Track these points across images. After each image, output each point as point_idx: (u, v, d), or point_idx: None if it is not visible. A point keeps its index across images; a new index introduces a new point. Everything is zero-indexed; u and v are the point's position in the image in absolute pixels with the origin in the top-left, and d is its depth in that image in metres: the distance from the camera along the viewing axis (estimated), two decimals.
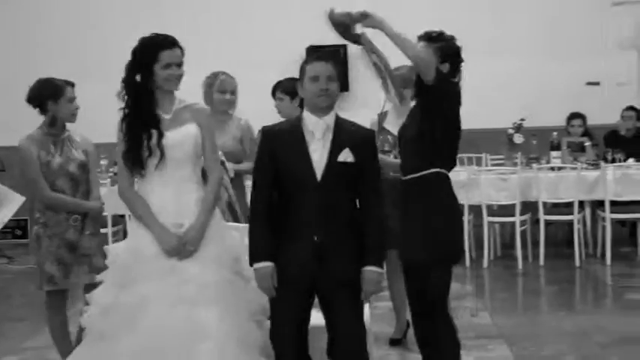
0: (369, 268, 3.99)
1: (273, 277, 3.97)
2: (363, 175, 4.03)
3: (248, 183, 6.52)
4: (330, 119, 4.04)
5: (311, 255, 3.94)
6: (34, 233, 5.15)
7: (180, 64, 4.17)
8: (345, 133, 4.03)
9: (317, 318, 4.16)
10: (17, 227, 11.40)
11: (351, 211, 4.05)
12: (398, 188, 5.63)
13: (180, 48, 4.18)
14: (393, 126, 5.73)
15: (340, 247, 3.97)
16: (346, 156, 3.99)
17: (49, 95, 5.05)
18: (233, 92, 5.76)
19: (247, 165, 5.62)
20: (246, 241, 4.08)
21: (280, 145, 4.03)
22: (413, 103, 5.49)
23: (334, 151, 3.99)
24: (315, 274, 3.95)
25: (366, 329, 4.12)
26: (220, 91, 5.73)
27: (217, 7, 11.15)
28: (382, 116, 5.88)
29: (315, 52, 4.05)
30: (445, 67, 4.30)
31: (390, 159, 5.54)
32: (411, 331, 6.14)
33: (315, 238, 3.94)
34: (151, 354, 3.88)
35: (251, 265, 4.01)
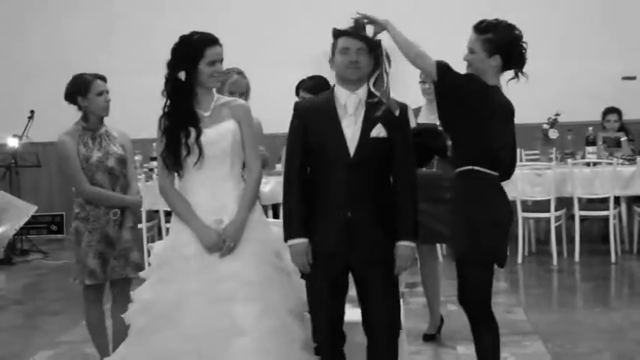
0: (402, 244, 3.97)
1: (307, 253, 3.98)
2: (396, 149, 3.98)
3: (266, 179, 6.57)
4: (362, 93, 4.01)
5: (343, 232, 3.93)
6: (73, 228, 5.11)
7: (222, 61, 4.17)
8: (377, 108, 3.97)
9: (352, 314, 4.15)
10: (52, 222, 11.51)
11: (384, 187, 4.02)
12: (432, 183, 5.62)
13: (221, 45, 4.18)
14: (427, 121, 5.72)
15: (373, 225, 3.95)
16: (379, 131, 3.95)
17: (77, 91, 5.05)
18: (243, 94, 5.56)
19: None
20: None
21: (312, 121, 4.01)
22: None
23: (367, 127, 3.96)
24: (347, 252, 3.94)
25: (399, 303, 4.11)
26: (230, 91, 5.59)
27: (239, 5, 11.14)
28: (417, 111, 5.84)
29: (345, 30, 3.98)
30: (496, 60, 4.21)
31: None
32: (445, 327, 6.15)
33: (348, 215, 3.92)
34: (189, 350, 3.90)
35: (285, 240, 4.03)
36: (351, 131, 3.96)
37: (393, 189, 4.04)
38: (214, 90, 4.26)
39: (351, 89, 4.00)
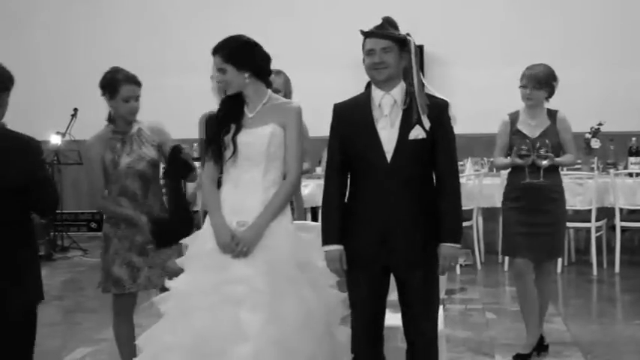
0: (446, 244, 3.93)
1: (341, 260, 3.97)
2: (437, 148, 3.91)
3: (305, 183, 6.56)
4: (397, 93, 3.93)
5: (381, 236, 3.90)
6: (103, 233, 4.92)
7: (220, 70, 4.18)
8: (415, 108, 3.89)
9: (391, 318, 4.14)
10: (92, 220, 11.60)
11: (425, 189, 3.96)
12: (538, 194, 5.53)
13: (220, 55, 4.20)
14: (526, 127, 5.58)
15: (412, 227, 3.91)
16: (417, 133, 3.87)
17: (104, 89, 4.82)
18: (277, 91, 5.45)
19: (305, 165, 5.62)
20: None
21: (349, 124, 3.98)
22: (546, 105, 5.50)
23: (405, 129, 3.89)
24: (386, 255, 3.92)
25: (438, 307, 4.09)
26: None
27: (269, 5, 11.16)
28: (514, 116, 5.68)
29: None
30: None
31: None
32: (484, 334, 6.09)
33: (387, 219, 3.89)
34: (194, 345, 3.93)
35: (323, 245, 4.02)
36: (387, 133, 3.90)
37: (435, 189, 3.98)
38: (269, 91, 4.27)
39: (385, 89, 3.94)
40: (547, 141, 5.47)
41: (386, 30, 3.92)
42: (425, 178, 3.98)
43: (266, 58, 4.26)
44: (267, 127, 4.15)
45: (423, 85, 3.95)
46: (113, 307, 4.95)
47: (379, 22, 3.96)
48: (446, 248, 3.93)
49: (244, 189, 4.13)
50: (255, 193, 4.13)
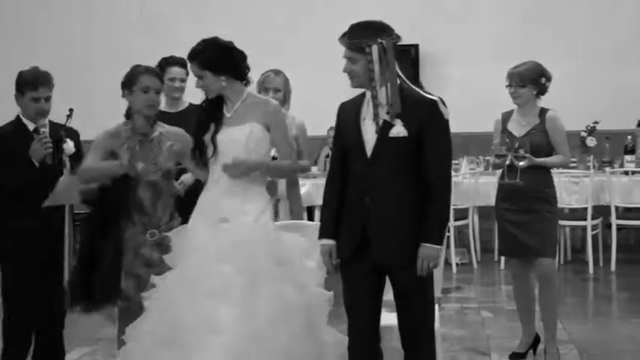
0: (425, 245, 3.88)
1: (332, 254, 4.00)
2: (425, 148, 3.86)
3: (302, 182, 6.58)
4: (382, 93, 3.91)
5: (363, 234, 3.90)
6: None
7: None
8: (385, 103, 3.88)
9: (387, 318, 4.16)
10: None
11: (409, 187, 3.90)
12: (518, 195, 5.50)
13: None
14: (518, 127, 5.54)
15: (396, 226, 3.89)
16: (398, 131, 3.85)
17: (124, 83, 4.58)
18: (277, 90, 5.57)
19: (304, 162, 5.65)
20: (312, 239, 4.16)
21: (343, 121, 4.04)
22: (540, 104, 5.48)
23: (386, 127, 3.87)
24: (369, 254, 3.91)
25: (434, 302, 4.08)
26: (264, 88, 5.58)
27: (282, 5, 11.16)
28: (507, 115, 5.64)
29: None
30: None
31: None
32: (480, 333, 6.11)
33: (368, 216, 3.89)
34: (169, 338, 4.02)
35: (319, 239, 4.07)
36: (371, 130, 3.91)
37: (421, 188, 3.91)
38: (246, 90, 4.32)
39: (364, 87, 3.97)
40: (527, 141, 5.38)
41: (351, 39, 3.90)
42: (410, 175, 3.91)
43: (242, 58, 4.31)
44: (246, 126, 4.22)
45: (398, 83, 3.89)
46: (119, 317, 4.68)
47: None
48: (425, 249, 3.87)
49: (227, 188, 4.20)
50: (238, 194, 4.20)
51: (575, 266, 8.96)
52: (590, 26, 10.65)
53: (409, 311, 3.98)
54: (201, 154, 4.28)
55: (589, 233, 8.63)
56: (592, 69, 10.46)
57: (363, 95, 4.02)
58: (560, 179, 8.58)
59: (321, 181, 5.95)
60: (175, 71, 5.70)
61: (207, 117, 4.29)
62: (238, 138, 4.19)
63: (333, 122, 4.11)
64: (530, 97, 5.49)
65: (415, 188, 3.92)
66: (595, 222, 8.73)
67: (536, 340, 5.72)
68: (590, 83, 10.41)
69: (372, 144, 3.89)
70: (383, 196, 3.89)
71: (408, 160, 3.89)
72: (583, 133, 9.17)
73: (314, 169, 8.55)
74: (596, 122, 9.18)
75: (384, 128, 3.88)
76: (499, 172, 5.64)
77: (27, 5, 11.55)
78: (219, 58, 4.22)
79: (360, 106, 3.98)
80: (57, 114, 5.04)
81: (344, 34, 3.93)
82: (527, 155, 5.33)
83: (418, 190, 3.91)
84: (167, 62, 5.74)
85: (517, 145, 5.36)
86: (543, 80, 5.49)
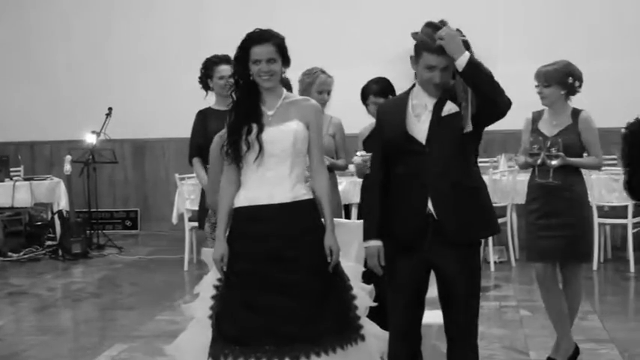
0: None
1: (379, 255, 4.00)
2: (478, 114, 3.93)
3: (339, 180, 6.58)
4: (431, 103, 3.96)
5: (421, 226, 3.92)
6: (205, 230, 5.07)
7: (269, 60, 4.07)
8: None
9: (429, 317, 4.14)
10: (127, 218, 11.69)
11: (466, 166, 4.00)
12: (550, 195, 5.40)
13: (265, 44, 4.07)
14: (546, 126, 5.43)
15: (453, 217, 3.92)
16: (450, 107, 3.91)
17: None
18: (329, 92, 5.67)
19: (342, 161, 5.63)
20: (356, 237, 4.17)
21: (385, 119, 4.07)
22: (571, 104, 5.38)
23: (436, 115, 3.94)
24: (426, 246, 3.93)
25: (479, 293, 4.06)
26: (319, 91, 5.60)
27: (317, 4, 11.15)
28: (537, 114, 5.52)
29: (433, 41, 3.87)
30: None
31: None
32: (519, 332, 6.04)
33: (432, 199, 3.91)
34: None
35: (364, 241, 4.08)
36: (424, 120, 3.93)
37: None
38: (283, 89, 4.24)
39: (431, 94, 3.96)
40: (559, 140, 5.25)
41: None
42: (468, 161, 4.01)
43: None
44: (292, 123, 4.12)
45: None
46: None
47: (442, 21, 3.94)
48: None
49: (274, 187, 4.09)
50: (285, 190, 4.10)
51: (616, 264, 8.86)
52: (629, 22, 10.52)
53: (456, 300, 3.97)
54: (238, 154, 4.11)
55: (629, 231, 8.52)
56: (633, 65, 10.33)
57: (407, 93, 4.04)
58: (600, 177, 8.50)
59: (359, 180, 5.95)
60: (224, 69, 5.73)
61: (248, 115, 4.13)
62: (286, 137, 4.09)
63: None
64: (558, 97, 5.34)
65: (472, 166, 4.02)
66: (636, 220, 8.62)
67: (576, 351, 5.50)
68: (631, 79, 10.27)
69: (424, 133, 3.91)
70: (442, 177, 3.90)
71: (463, 143, 3.93)
72: (623, 130, 9.05)
73: (350, 167, 8.52)
74: (637, 119, 9.06)
75: (434, 117, 3.92)
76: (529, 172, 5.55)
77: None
78: (286, 49, 4.13)
79: (405, 103, 3.99)
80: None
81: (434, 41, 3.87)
82: (561, 154, 5.23)
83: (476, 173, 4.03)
84: (213, 62, 5.82)
85: (549, 143, 5.28)
86: (571, 80, 5.32)
